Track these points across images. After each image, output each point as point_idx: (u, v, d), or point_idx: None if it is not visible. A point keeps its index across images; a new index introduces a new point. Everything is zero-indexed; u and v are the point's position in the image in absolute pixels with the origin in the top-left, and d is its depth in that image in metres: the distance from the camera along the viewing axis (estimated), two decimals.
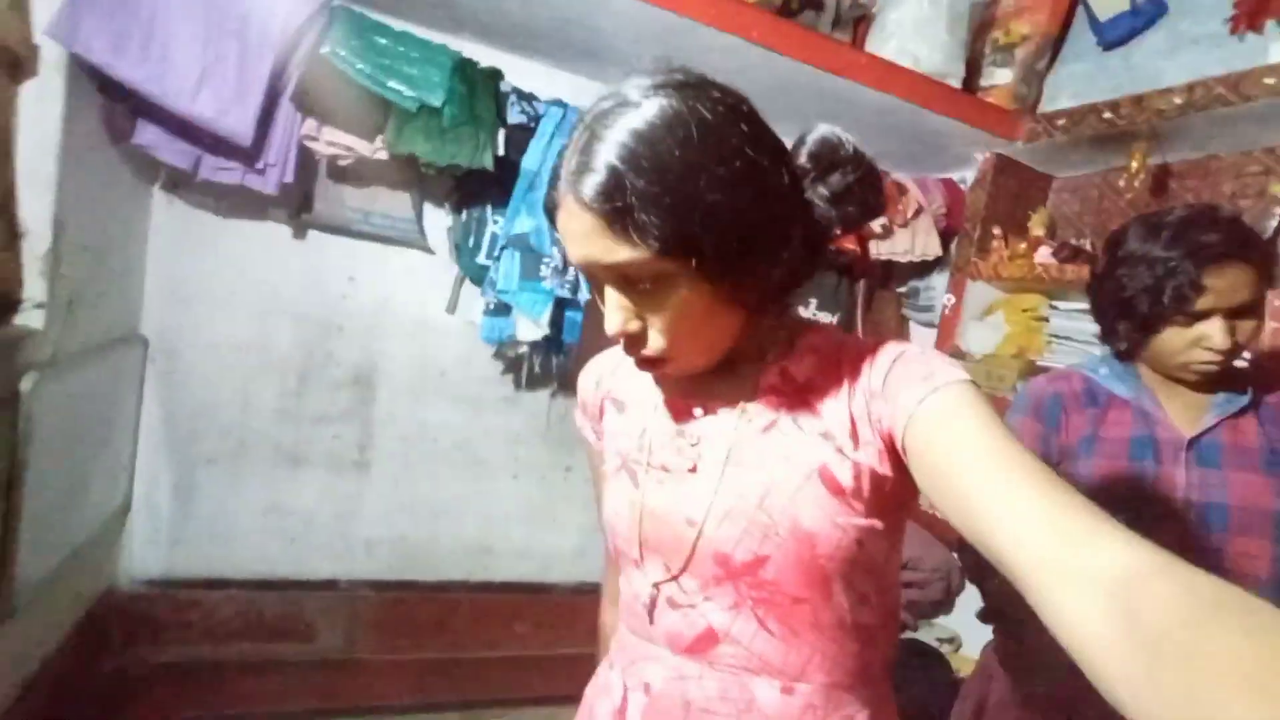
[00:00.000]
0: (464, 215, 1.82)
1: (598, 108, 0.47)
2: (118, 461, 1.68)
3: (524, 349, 1.79)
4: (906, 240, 2.07)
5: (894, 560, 0.57)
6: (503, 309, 1.66)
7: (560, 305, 1.64)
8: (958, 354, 2.13)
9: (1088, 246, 1.79)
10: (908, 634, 2.05)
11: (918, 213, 2.07)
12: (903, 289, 2.41)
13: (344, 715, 1.84)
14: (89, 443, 1.47)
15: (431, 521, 2.09)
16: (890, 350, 0.53)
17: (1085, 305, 1.60)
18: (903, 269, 2.34)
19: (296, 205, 1.73)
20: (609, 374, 0.66)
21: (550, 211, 0.51)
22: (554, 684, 2.15)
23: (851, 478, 0.51)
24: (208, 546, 1.88)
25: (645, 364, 0.53)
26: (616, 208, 0.44)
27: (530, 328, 1.62)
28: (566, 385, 2.13)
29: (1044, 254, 1.89)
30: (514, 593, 2.20)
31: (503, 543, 2.19)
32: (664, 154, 0.43)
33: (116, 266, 1.56)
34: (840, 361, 0.54)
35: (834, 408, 0.52)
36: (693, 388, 0.58)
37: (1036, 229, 1.97)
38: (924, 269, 2.29)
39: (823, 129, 0.52)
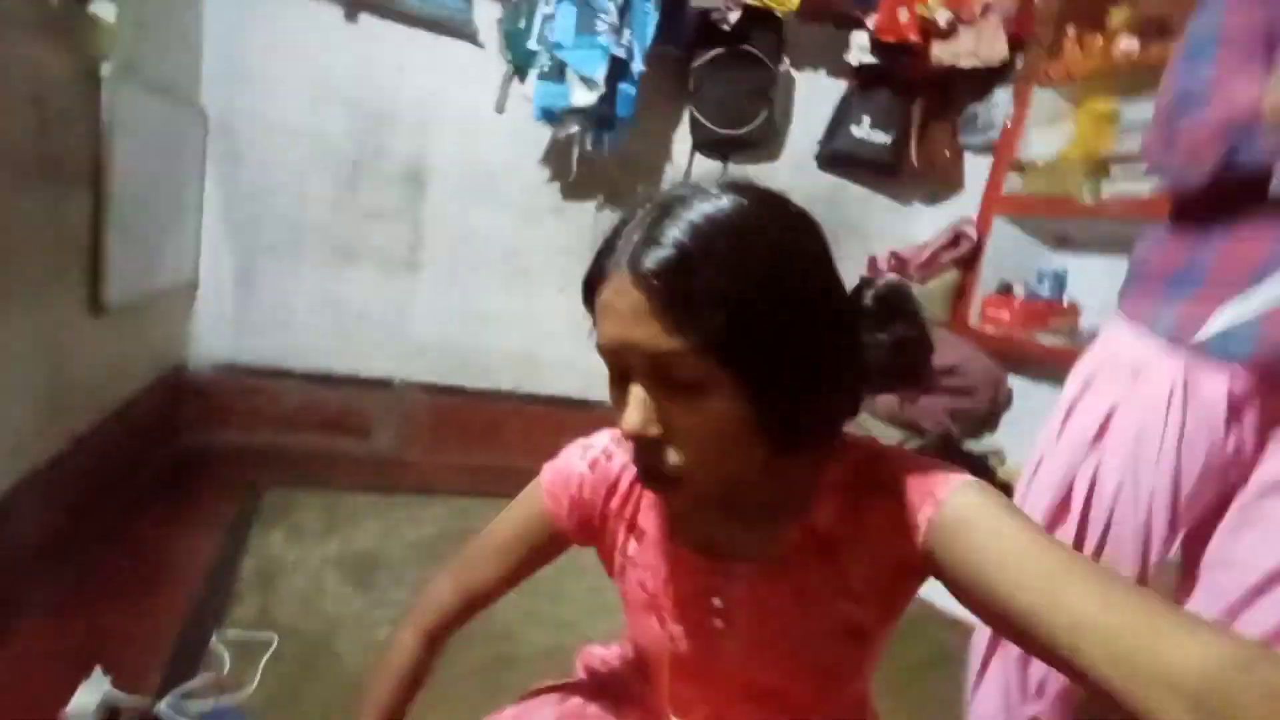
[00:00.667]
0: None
1: (671, 191, 0.45)
2: (185, 236, 1.72)
3: (574, 129, 1.77)
4: (971, 41, 1.98)
5: (890, 633, 0.57)
6: (556, 74, 1.63)
7: (614, 71, 1.61)
8: (1016, 167, 2.06)
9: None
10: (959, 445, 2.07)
11: (985, 10, 1.96)
12: (959, 117, 2.32)
13: (399, 492, 1.93)
14: (161, 195, 1.51)
15: (480, 328, 2.14)
16: (892, 469, 0.49)
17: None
18: (960, 94, 2.25)
19: None
20: (629, 498, 0.59)
21: (590, 285, 0.47)
22: None
23: (875, 622, 0.52)
24: (269, 334, 1.94)
25: (654, 480, 0.48)
26: (676, 289, 0.41)
27: (584, 92, 1.60)
28: (614, 193, 2.12)
29: (1125, 42, 1.79)
30: (560, 406, 2.25)
31: (550, 355, 2.23)
32: (737, 247, 0.41)
33: (175, 29, 1.55)
34: (863, 502, 0.50)
35: (862, 561, 0.50)
36: (713, 539, 0.55)
37: (1117, 20, 1.86)
38: (984, 88, 2.19)
39: (892, 278, 0.51)
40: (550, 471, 0.61)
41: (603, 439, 0.61)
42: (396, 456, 2.12)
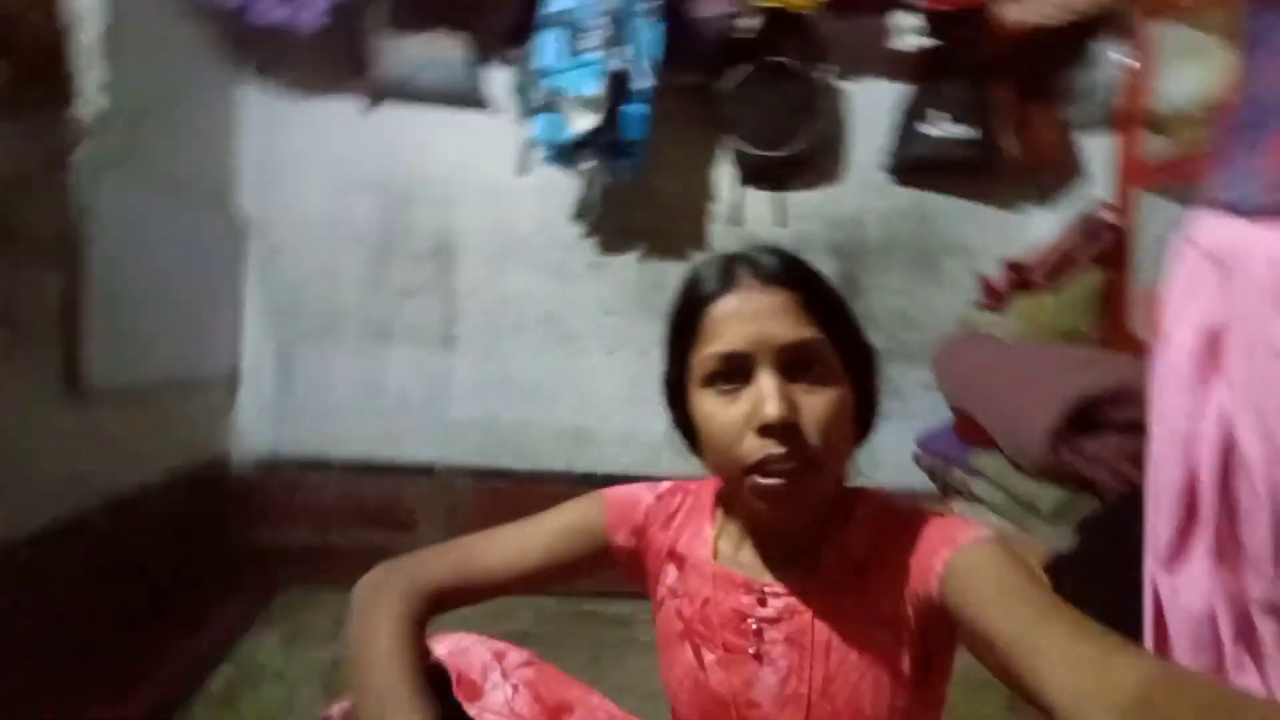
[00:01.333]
0: (521, 51, 1.73)
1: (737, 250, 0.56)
2: (219, 328, 1.75)
3: (589, 164, 1.61)
4: None
5: (943, 698, 0.58)
6: (552, 105, 1.51)
7: (619, 89, 1.46)
8: (1153, 126, 1.60)
9: None
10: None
11: None
12: (1057, 92, 1.89)
13: None
14: (176, 287, 1.53)
15: (524, 402, 1.95)
16: (924, 520, 0.54)
17: None
18: (1053, 62, 1.84)
19: (357, 65, 1.76)
20: (678, 529, 0.63)
21: (697, 310, 0.53)
22: None
23: (909, 662, 0.53)
24: (309, 423, 1.89)
25: (788, 471, 0.50)
26: (806, 289, 0.51)
27: (584, 117, 1.45)
28: (658, 240, 1.93)
29: None
30: (619, 485, 1.96)
31: (602, 428, 1.98)
32: (820, 272, 0.54)
33: (197, 132, 1.65)
34: (889, 536, 0.55)
35: (889, 591, 0.53)
36: (753, 566, 0.58)
37: None
38: (1082, 47, 1.77)
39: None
40: (614, 495, 0.65)
41: (668, 482, 0.66)
42: None
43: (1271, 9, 0.60)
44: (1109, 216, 1.65)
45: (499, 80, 1.86)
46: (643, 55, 1.51)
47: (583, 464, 1.98)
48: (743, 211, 1.98)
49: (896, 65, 1.89)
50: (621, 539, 0.63)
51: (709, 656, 0.58)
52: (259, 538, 1.81)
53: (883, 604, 0.54)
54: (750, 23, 1.64)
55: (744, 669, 0.56)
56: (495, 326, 1.95)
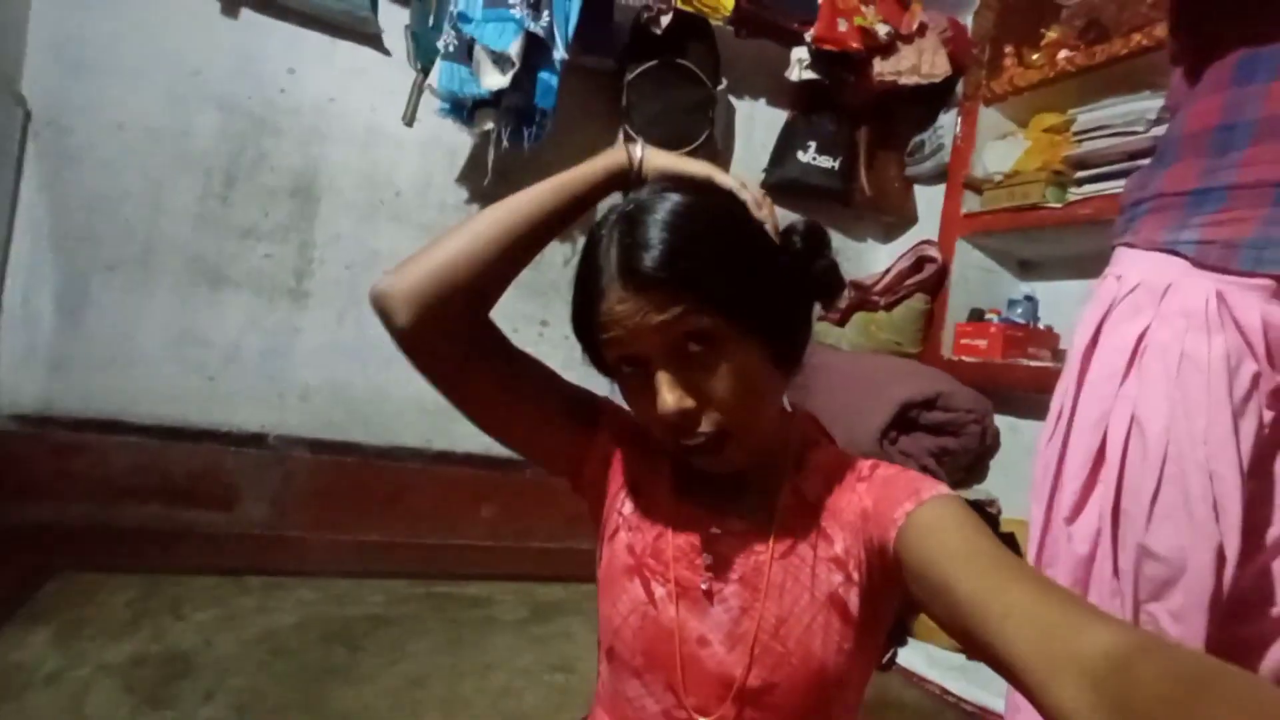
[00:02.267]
0: None
1: (625, 206, 0.52)
2: None
3: (489, 126, 1.54)
4: (912, 57, 1.90)
5: (871, 669, 0.59)
6: (463, 54, 1.42)
7: (531, 56, 1.41)
8: (973, 186, 1.94)
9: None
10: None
11: (922, 29, 1.91)
12: (905, 149, 2.23)
13: (265, 574, 1.49)
14: None
15: (381, 370, 1.78)
16: (882, 471, 0.56)
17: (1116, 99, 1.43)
18: (903, 123, 2.17)
19: None
20: (644, 463, 0.62)
21: (585, 309, 0.52)
22: (525, 571, 1.83)
23: (859, 605, 0.54)
24: (101, 376, 1.54)
25: (702, 450, 0.52)
26: (674, 270, 0.48)
27: (495, 74, 1.38)
28: None
29: (1065, 54, 1.73)
30: (480, 467, 1.87)
31: None
32: (701, 225, 0.50)
33: None
34: (844, 481, 0.56)
35: (842, 533, 0.55)
36: (709, 502, 0.58)
37: (1054, 34, 1.82)
38: (927, 115, 2.12)
39: (810, 220, 0.58)
40: (609, 399, 0.64)
41: None
42: (269, 534, 1.68)
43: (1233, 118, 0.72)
44: (934, 254, 1.96)
45: (392, 17, 1.69)
46: (560, 25, 1.48)
47: (440, 441, 1.86)
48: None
49: (782, 93, 2.07)
50: (607, 436, 0.62)
51: (659, 590, 0.56)
52: (16, 513, 1.43)
53: (836, 547, 0.54)
54: (663, 18, 1.69)
55: (695, 605, 0.55)
56: (355, 284, 1.76)
